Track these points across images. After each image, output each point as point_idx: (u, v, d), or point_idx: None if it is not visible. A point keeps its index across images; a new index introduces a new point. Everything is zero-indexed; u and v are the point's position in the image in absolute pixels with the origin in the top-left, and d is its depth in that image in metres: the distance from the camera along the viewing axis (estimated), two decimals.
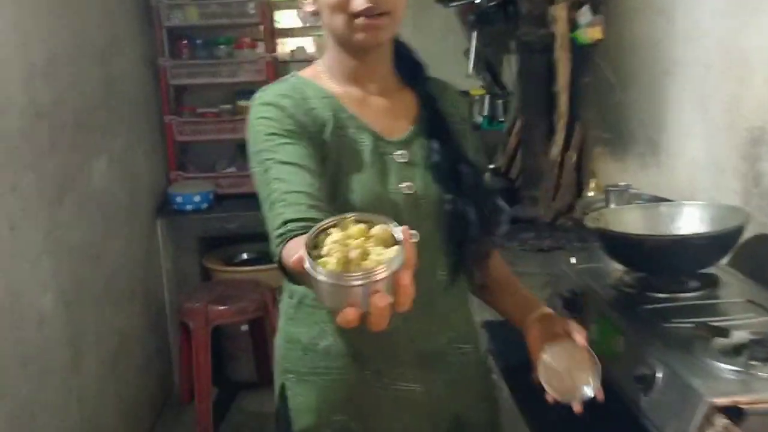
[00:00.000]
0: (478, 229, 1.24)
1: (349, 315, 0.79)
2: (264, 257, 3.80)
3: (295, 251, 0.87)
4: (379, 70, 1.28)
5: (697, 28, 1.90)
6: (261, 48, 3.73)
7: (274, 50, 3.72)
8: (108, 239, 2.84)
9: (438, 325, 1.28)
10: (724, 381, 1.16)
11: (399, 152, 1.24)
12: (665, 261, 1.54)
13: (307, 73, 1.30)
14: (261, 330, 3.46)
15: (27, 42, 2.23)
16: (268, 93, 1.24)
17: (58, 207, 2.38)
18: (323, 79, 1.27)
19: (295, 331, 1.29)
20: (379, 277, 0.79)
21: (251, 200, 4.29)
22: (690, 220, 1.67)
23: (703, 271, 1.59)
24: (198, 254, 3.70)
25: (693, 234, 1.59)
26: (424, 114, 1.30)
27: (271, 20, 3.75)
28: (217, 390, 3.42)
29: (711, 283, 1.57)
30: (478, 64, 3.59)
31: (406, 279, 0.79)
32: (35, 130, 2.24)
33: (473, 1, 3.57)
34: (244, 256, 3.81)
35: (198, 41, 3.69)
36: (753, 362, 1.18)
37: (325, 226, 0.87)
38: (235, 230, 3.58)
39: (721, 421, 1.08)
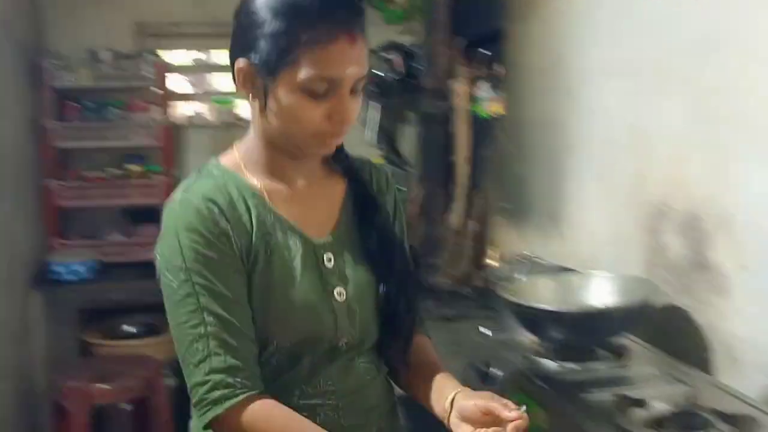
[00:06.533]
0: (406, 313, 1.18)
1: None
2: (149, 329, 3.58)
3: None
4: (308, 164, 1.19)
5: (602, 107, 1.98)
6: (154, 111, 3.60)
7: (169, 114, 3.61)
8: None
9: (367, 418, 1.18)
10: None
11: (327, 256, 1.15)
12: (578, 333, 1.58)
13: (228, 162, 1.16)
14: (146, 409, 3.22)
15: None
16: (193, 194, 1.10)
17: None
18: (246, 171, 1.15)
19: None
20: None
21: (139, 269, 3.99)
22: (599, 291, 1.72)
23: (615, 341, 1.62)
24: (78, 328, 3.42)
25: (605, 307, 1.63)
26: (351, 199, 1.21)
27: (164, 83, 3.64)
28: None
29: (622, 353, 1.62)
30: (378, 134, 3.62)
31: None
32: None
33: (375, 74, 3.62)
34: (128, 328, 3.56)
35: (88, 103, 3.52)
36: None
37: None
38: (121, 301, 3.36)
39: None
